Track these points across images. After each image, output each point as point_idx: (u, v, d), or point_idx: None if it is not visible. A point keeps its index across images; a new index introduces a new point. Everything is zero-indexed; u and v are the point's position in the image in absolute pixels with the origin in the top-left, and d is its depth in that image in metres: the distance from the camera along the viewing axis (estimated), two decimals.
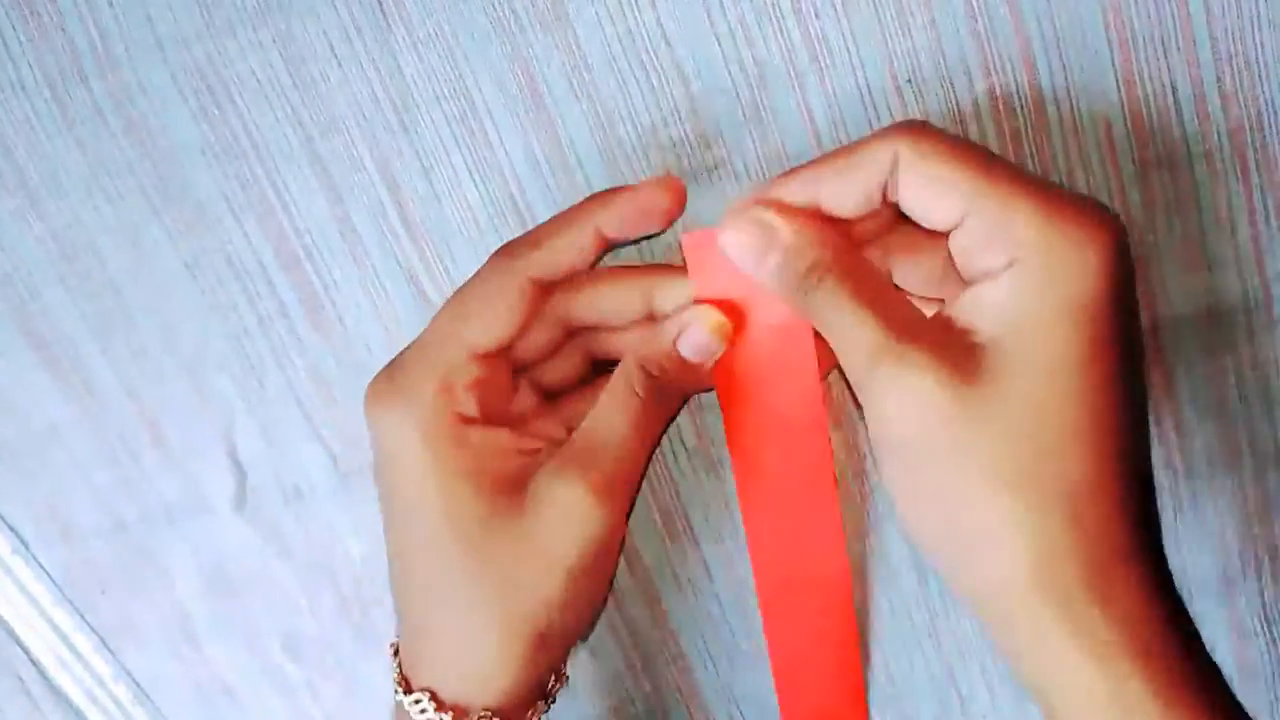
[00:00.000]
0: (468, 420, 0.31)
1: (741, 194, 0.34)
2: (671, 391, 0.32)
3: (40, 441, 0.40)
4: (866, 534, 0.38)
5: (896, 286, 0.31)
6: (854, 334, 0.28)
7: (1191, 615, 0.27)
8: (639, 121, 0.34)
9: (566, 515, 0.30)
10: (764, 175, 0.34)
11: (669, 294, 0.31)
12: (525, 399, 0.33)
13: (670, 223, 0.32)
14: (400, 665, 0.32)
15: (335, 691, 0.43)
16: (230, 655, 0.42)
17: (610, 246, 0.32)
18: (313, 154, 0.35)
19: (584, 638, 0.35)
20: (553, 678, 0.34)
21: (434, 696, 0.31)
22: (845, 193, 0.28)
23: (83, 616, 0.42)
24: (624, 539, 0.33)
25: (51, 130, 0.36)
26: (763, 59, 0.33)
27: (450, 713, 0.31)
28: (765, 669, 0.40)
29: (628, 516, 0.33)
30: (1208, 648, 0.27)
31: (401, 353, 0.32)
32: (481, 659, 0.31)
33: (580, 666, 0.41)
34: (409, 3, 0.33)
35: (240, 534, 0.40)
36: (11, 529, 0.41)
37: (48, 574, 0.42)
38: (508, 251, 0.31)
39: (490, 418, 0.31)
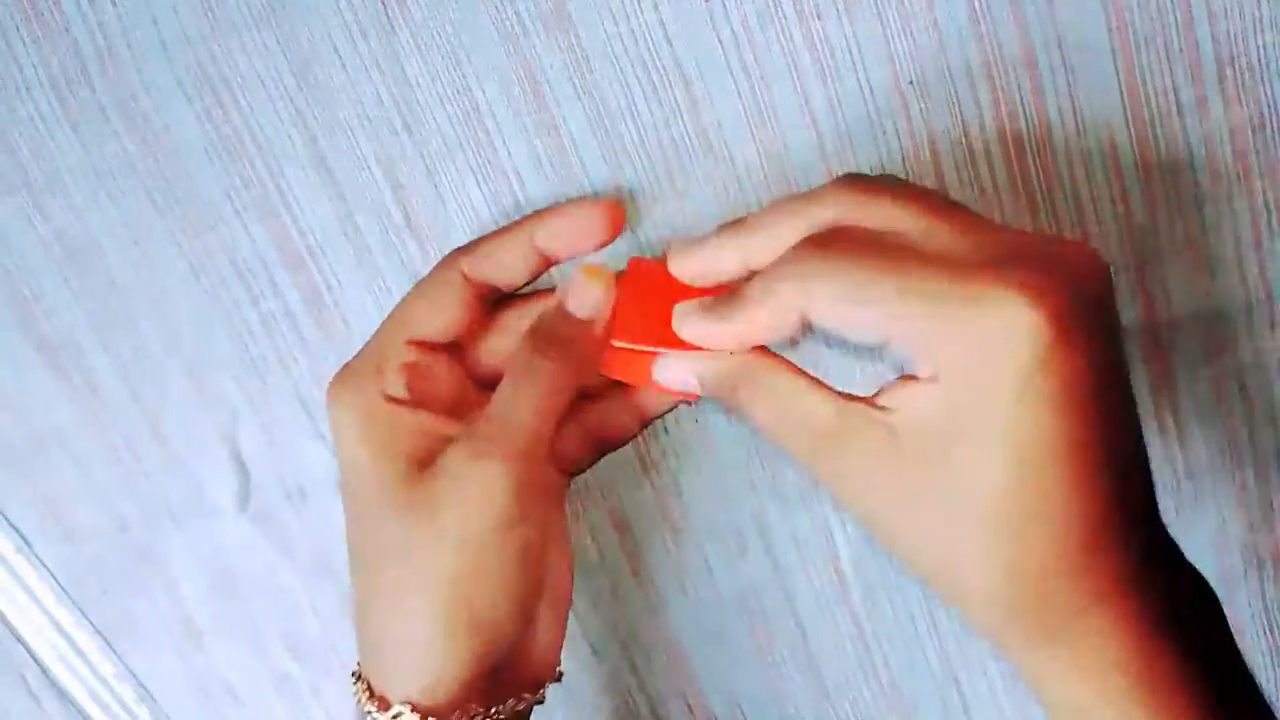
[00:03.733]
0: (397, 401, 0.31)
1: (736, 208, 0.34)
2: (573, 354, 0.31)
3: (43, 441, 0.40)
4: (867, 534, 0.38)
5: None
6: (793, 413, 0.27)
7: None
8: (641, 121, 0.34)
9: (461, 483, 0.30)
10: (765, 177, 0.34)
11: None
12: (461, 385, 0.33)
13: (603, 245, 0.32)
14: (359, 650, 0.32)
15: (337, 691, 0.43)
16: (233, 655, 0.42)
17: (550, 263, 0.32)
18: (317, 154, 0.35)
19: (554, 642, 0.33)
20: (504, 688, 0.32)
21: (368, 684, 0.31)
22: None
23: (85, 616, 0.42)
24: (557, 516, 0.33)
25: (55, 130, 0.36)
26: (765, 60, 0.33)
27: (376, 703, 0.30)
28: (766, 669, 0.40)
29: (547, 488, 0.32)
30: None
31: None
32: (401, 644, 0.30)
33: (581, 666, 0.41)
34: (413, 5, 0.33)
35: (243, 534, 0.40)
36: (14, 528, 0.41)
37: (51, 574, 0.42)
38: (452, 254, 0.32)
39: (421, 402, 0.32)
